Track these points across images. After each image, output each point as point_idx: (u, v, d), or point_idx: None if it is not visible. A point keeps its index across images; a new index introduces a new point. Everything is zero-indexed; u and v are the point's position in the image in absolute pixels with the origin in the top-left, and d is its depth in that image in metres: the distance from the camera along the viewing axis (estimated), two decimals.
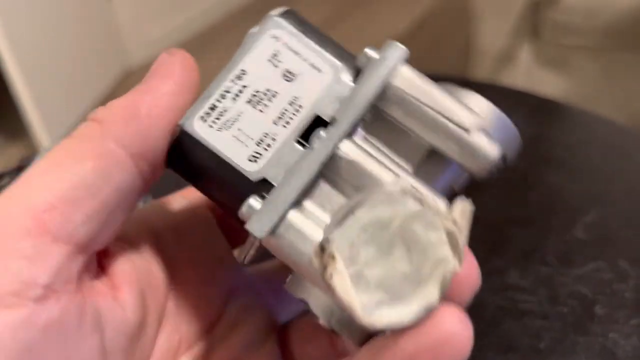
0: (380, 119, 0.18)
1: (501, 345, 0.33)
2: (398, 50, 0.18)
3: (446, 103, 0.18)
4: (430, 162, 0.19)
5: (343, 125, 0.17)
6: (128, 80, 1.65)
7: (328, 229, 0.16)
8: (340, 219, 0.16)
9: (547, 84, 1.13)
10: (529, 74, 1.15)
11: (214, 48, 1.69)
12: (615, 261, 0.37)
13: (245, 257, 0.21)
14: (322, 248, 0.16)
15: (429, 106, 0.18)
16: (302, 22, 0.19)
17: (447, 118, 0.18)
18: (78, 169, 0.17)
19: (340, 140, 0.17)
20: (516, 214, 0.42)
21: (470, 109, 0.18)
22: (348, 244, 0.16)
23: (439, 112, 0.18)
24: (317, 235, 0.17)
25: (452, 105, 0.18)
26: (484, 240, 0.36)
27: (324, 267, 0.16)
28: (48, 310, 0.16)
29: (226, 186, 0.18)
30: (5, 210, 0.16)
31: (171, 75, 0.18)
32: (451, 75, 0.60)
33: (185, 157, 0.18)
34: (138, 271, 0.19)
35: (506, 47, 1.16)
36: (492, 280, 0.36)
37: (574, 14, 1.07)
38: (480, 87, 0.57)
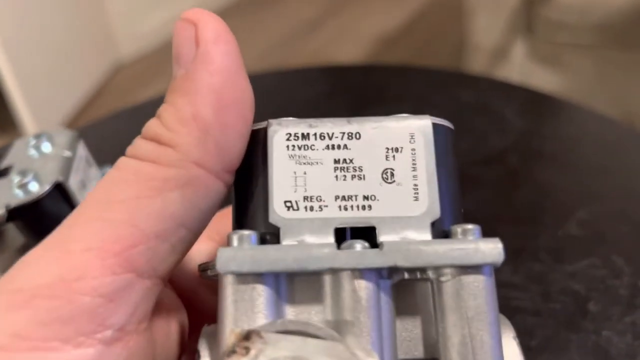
0: (410, 290, 0.17)
1: None
2: (494, 252, 0.16)
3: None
4: None
5: (385, 261, 0.15)
6: (119, 73, 1.64)
7: (267, 327, 0.15)
8: (287, 331, 0.15)
9: (541, 80, 1.13)
10: (523, 71, 1.15)
11: None
12: (609, 257, 0.37)
13: (205, 271, 0.19)
14: (247, 337, 0.14)
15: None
16: (446, 146, 0.17)
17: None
18: (163, 200, 0.15)
19: (366, 269, 0.15)
20: (508, 210, 0.41)
21: None
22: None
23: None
24: (259, 321, 0.15)
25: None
26: None
27: (231, 352, 0.14)
28: (115, 355, 0.15)
29: (247, 198, 0.17)
30: (86, 247, 0.15)
31: (214, 58, 0.16)
32: (447, 68, 0.60)
33: (247, 156, 0.17)
34: (172, 297, 0.18)
35: (500, 43, 1.16)
36: None
37: (568, 12, 1.07)
38: (474, 80, 0.57)
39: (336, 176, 0.17)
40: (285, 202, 0.16)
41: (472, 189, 0.42)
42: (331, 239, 0.16)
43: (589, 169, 0.44)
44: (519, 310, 0.34)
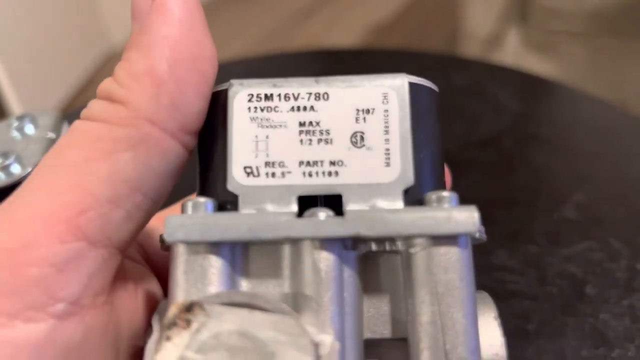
0: (384, 261, 0.15)
1: None
2: (469, 222, 0.14)
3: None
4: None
5: (347, 229, 0.14)
6: (110, 62, 1.62)
7: (211, 298, 0.13)
8: (233, 303, 0.13)
9: (535, 68, 1.12)
10: (517, 58, 1.14)
11: None
12: (606, 240, 0.36)
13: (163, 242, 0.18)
14: (189, 308, 0.13)
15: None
16: (426, 106, 0.16)
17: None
18: (114, 161, 0.14)
19: (328, 239, 0.14)
20: (502, 194, 0.40)
21: None
22: (213, 333, 0.13)
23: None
24: (207, 290, 0.14)
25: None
26: None
27: (172, 324, 0.13)
28: (70, 331, 0.14)
29: (207, 164, 0.16)
30: (32, 215, 0.14)
31: (171, 10, 0.15)
32: (442, 52, 0.59)
33: (208, 120, 0.16)
34: (145, 273, 0.17)
35: (494, 31, 1.15)
36: (478, 261, 0.35)
37: (562, 0, 1.06)
38: (468, 63, 0.56)
39: (301, 140, 0.15)
40: (245, 167, 0.15)
41: (466, 172, 0.41)
42: (294, 207, 0.15)
43: (584, 152, 0.44)
44: (515, 294, 0.33)
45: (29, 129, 0.30)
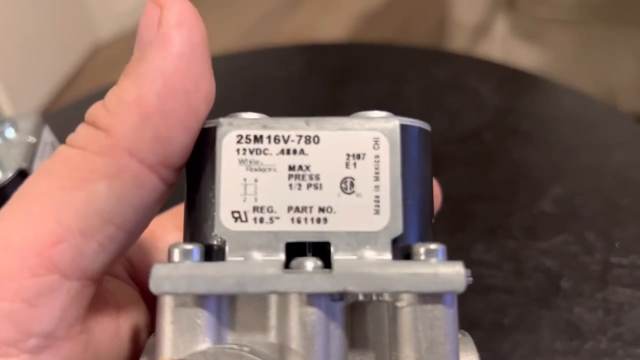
0: (372, 307, 0.16)
1: (464, 321, 0.32)
2: (455, 279, 0.14)
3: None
4: None
5: (334, 285, 0.14)
6: (97, 55, 1.61)
7: (198, 356, 0.14)
8: None
9: (523, 56, 1.13)
10: (505, 46, 1.14)
11: None
12: (582, 234, 0.37)
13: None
14: None
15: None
16: (418, 150, 0.16)
17: None
18: (88, 192, 0.14)
19: (317, 295, 0.14)
20: (481, 188, 0.41)
21: None
22: None
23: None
24: (199, 345, 0.14)
25: None
26: (447, 216, 0.36)
27: None
28: None
29: (194, 205, 0.16)
30: (3, 244, 0.13)
31: (172, 43, 0.15)
32: (426, 46, 0.59)
33: (195, 158, 0.16)
34: (129, 294, 0.17)
35: (482, 19, 1.15)
36: (456, 256, 0.36)
37: None
38: (453, 57, 0.56)
39: (290, 184, 0.15)
40: (233, 212, 0.15)
41: (447, 167, 0.41)
42: (281, 255, 0.15)
43: (563, 146, 0.45)
44: (493, 288, 0.34)
45: (10, 132, 0.30)
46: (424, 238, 0.16)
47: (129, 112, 0.14)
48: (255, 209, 0.15)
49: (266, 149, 0.15)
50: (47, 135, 0.31)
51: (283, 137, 0.15)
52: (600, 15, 1.07)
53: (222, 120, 0.15)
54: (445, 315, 0.15)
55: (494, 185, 0.41)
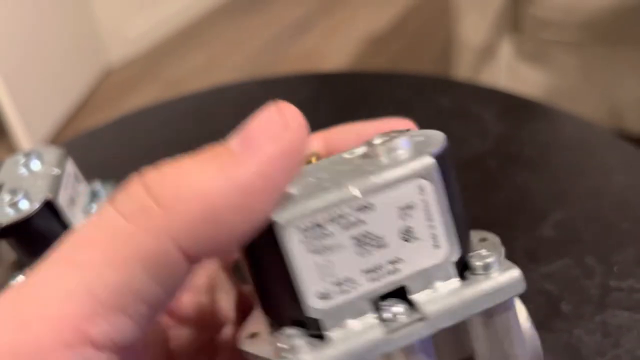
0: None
1: None
2: (516, 284, 0.17)
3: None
4: None
5: (432, 329, 0.16)
6: (108, 78, 1.64)
7: None
8: None
9: (528, 78, 1.14)
10: (510, 69, 1.16)
11: (195, 45, 1.68)
12: (581, 258, 0.38)
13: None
14: None
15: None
16: (450, 168, 0.17)
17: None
18: (126, 271, 0.14)
19: (415, 344, 0.16)
20: (485, 213, 0.42)
21: None
22: None
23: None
24: None
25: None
26: None
27: None
28: None
29: (278, 298, 0.17)
30: (40, 315, 0.14)
31: (264, 155, 0.15)
32: (431, 73, 0.61)
33: (257, 250, 0.16)
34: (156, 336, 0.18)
35: (487, 42, 1.17)
36: None
37: (553, 10, 1.08)
38: (455, 85, 0.58)
39: (359, 252, 0.16)
40: (318, 293, 0.16)
41: None
42: (371, 313, 0.16)
43: (564, 171, 0.46)
44: None
45: (35, 165, 0.32)
46: (469, 243, 0.18)
47: (189, 204, 0.14)
48: (336, 284, 0.16)
49: (329, 232, 0.16)
50: (70, 167, 0.33)
51: (339, 215, 0.16)
52: (605, 37, 1.09)
53: (278, 220, 0.16)
54: (512, 316, 0.18)
55: (497, 210, 0.43)
